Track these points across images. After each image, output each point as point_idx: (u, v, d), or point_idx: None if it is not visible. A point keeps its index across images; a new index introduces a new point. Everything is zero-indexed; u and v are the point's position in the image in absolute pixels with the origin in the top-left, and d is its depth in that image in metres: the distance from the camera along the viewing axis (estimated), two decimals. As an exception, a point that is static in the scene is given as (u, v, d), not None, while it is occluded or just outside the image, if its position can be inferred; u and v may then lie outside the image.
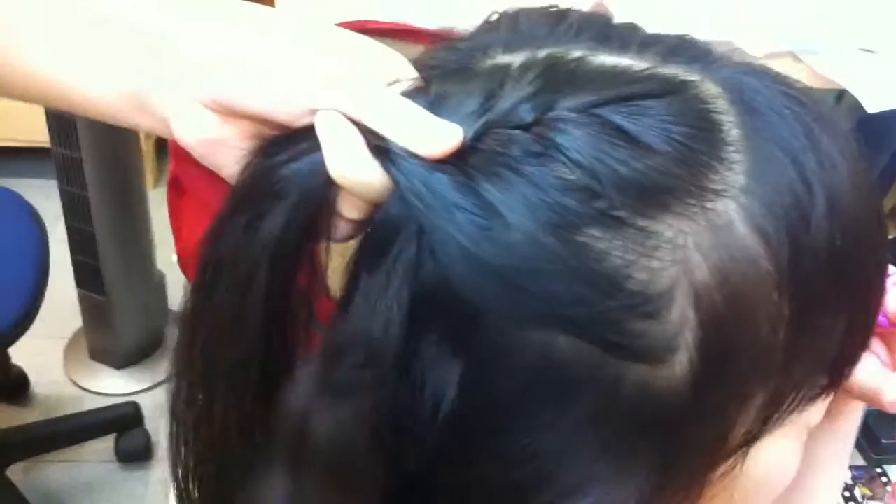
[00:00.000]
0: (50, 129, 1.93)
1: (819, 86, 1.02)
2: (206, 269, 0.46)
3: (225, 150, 0.47)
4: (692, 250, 0.40)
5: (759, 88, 0.44)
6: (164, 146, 2.73)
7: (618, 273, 0.39)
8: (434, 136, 0.41)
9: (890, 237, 1.43)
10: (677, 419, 0.42)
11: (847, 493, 1.59)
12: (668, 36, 0.47)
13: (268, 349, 0.46)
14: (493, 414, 0.42)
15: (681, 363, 0.40)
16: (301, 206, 0.43)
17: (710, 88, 0.43)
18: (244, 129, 0.46)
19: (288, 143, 0.44)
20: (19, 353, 2.01)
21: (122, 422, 2.12)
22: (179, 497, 0.52)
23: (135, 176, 2.10)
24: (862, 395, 0.60)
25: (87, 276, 2.12)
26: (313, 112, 0.43)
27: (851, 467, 1.64)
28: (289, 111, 0.44)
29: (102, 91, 0.49)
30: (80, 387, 2.27)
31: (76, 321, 2.32)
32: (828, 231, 0.42)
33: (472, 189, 0.41)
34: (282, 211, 0.43)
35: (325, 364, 0.44)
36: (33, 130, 2.44)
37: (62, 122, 1.91)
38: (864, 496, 1.61)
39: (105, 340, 2.25)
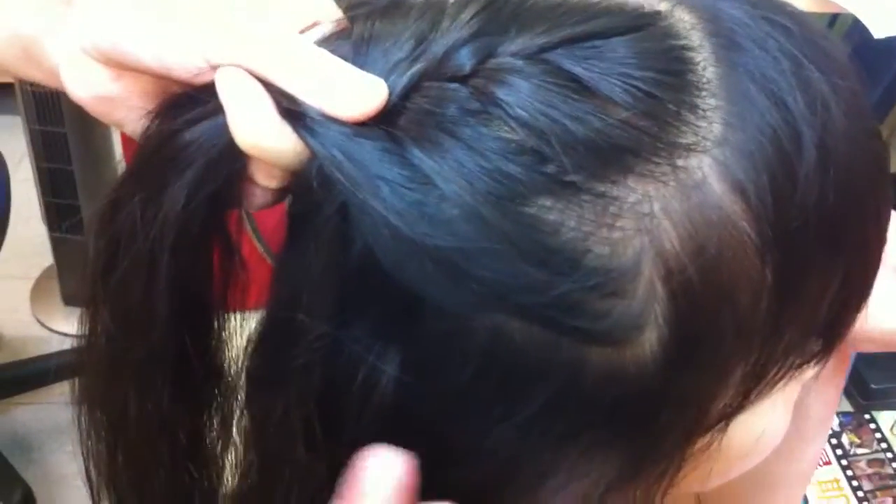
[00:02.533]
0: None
1: (818, 9, 0.98)
2: (104, 248, 0.40)
3: (122, 108, 0.41)
4: (660, 216, 0.35)
5: (740, 16, 0.38)
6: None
7: (574, 248, 0.34)
8: (353, 94, 0.35)
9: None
10: (647, 402, 0.37)
11: (834, 441, 1.57)
12: None
13: (179, 341, 0.41)
14: (440, 407, 0.38)
15: (650, 342, 0.36)
16: (206, 179, 0.37)
17: (683, 18, 0.38)
18: (141, 85, 0.41)
19: (189, 104, 0.38)
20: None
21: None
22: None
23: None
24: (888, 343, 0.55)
25: (62, 216, 2.06)
26: (213, 67, 0.37)
27: (839, 413, 1.62)
28: (184, 66, 0.38)
29: None
30: (47, 328, 2.23)
31: (43, 262, 2.28)
32: (818, 186, 0.37)
33: (400, 157, 0.35)
34: (184, 184, 0.37)
35: (252, 351, 0.41)
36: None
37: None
38: (851, 443, 1.58)
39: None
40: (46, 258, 2.26)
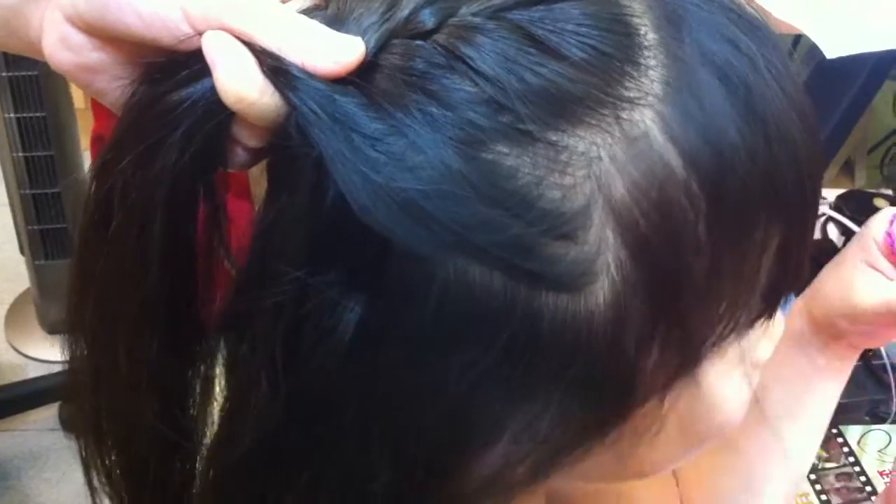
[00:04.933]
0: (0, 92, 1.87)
1: (775, 30, 0.99)
2: (95, 208, 0.43)
3: (104, 77, 0.43)
4: (607, 164, 0.37)
5: None
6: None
7: (528, 192, 0.37)
8: (332, 51, 0.38)
9: (844, 190, 1.40)
10: (600, 350, 0.39)
11: (803, 454, 1.58)
12: None
13: (171, 290, 0.43)
14: (402, 350, 0.39)
15: (603, 289, 0.38)
16: (194, 136, 0.40)
17: None
18: (123, 53, 0.42)
19: (175, 68, 0.40)
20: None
21: (65, 389, 2.06)
22: (88, 464, 0.49)
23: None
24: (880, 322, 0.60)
25: (49, 241, 2.06)
26: (198, 34, 0.39)
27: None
28: (171, 33, 0.40)
29: None
30: (22, 354, 2.22)
31: (16, 287, 2.28)
32: (752, 141, 0.39)
33: (373, 109, 0.38)
34: (175, 142, 0.39)
35: (229, 297, 0.43)
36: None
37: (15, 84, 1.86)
38: (820, 457, 1.59)
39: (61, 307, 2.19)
40: (19, 284, 2.25)
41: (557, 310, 0.38)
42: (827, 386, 0.82)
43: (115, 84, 0.43)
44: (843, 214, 1.45)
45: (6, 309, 2.31)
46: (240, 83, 0.38)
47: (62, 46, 0.43)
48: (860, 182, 2.72)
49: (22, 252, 2.10)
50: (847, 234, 1.41)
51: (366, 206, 0.37)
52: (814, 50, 0.98)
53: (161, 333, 0.44)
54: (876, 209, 1.47)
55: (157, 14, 0.40)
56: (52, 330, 2.23)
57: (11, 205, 2.03)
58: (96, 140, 1.12)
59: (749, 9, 0.42)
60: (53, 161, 1.95)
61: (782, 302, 0.46)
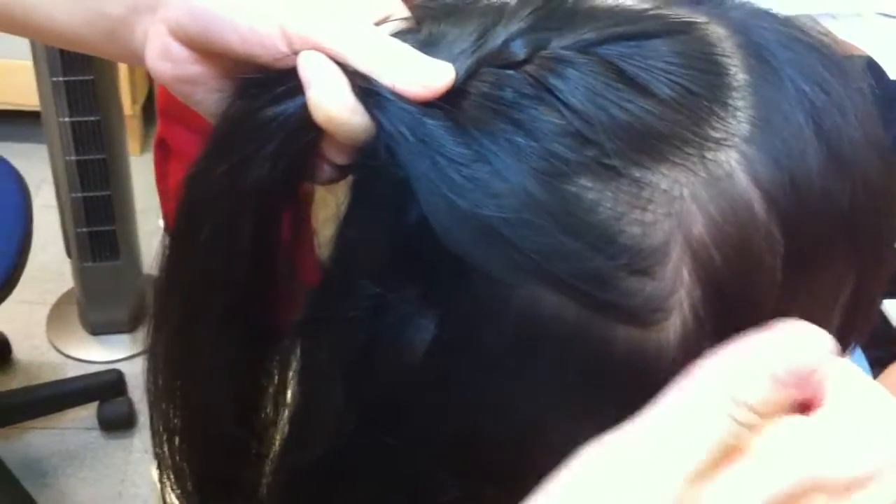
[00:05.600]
0: (56, 96, 1.89)
1: (841, 51, 0.99)
2: (187, 215, 0.45)
3: (203, 89, 0.45)
4: (689, 203, 0.37)
5: (769, 32, 0.41)
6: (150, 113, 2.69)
7: (609, 226, 0.37)
8: (422, 75, 0.39)
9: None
10: (663, 383, 0.39)
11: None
12: None
13: (256, 295, 0.45)
14: (473, 368, 0.40)
15: (674, 325, 0.38)
16: (285, 151, 0.41)
17: (717, 30, 0.41)
18: (222, 67, 0.44)
19: (270, 85, 0.42)
20: (1, 319, 1.99)
21: (104, 389, 2.09)
22: (160, 460, 0.50)
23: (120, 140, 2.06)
24: None
25: (96, 244, 2.08)
26: (295, 53, 0.41)
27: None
28: (268, 51, 0.42)
29: (70, 15, 0.48)
30: (62, 353, 2.24)
31: (58, 288, 2.30)
32: (836, 187, 0.40)
33: (460, 134, 0.38)
34: (267, 155, 0.41)
35: (308, 306, 0.44)
36: (16, 94, 2.43)
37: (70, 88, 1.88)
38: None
39: (112, 309, 2.21)
40: (62, 285, 2.28)
41: (629, 342, 0.38)
42: None
43: (211, 96, 0.45)
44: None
45: (49, 309, 2.33)
46: (331, 102, 0.40)
47: (164, 58, 0.45)
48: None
49: (69, 254, 2.12)
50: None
51: (448, 228, 0.38)
52: (864, 73, 0.98)
53: (242, 336, 0.46)
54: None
55: (256, 32, 0.42)
56: (94, 331, 2.25)
57: (60, 207, 2.05)
58: (159, 144, 1.14)
59: (834, 49, 0.43)
60: (105, 164, 1.97)
61: (849, 350, 0.46)
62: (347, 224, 0.43)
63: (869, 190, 0.41)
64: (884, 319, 1.28)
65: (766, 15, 0.43)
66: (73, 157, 1.96)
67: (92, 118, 1.91)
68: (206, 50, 0.44)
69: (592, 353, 0.38)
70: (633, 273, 0.37)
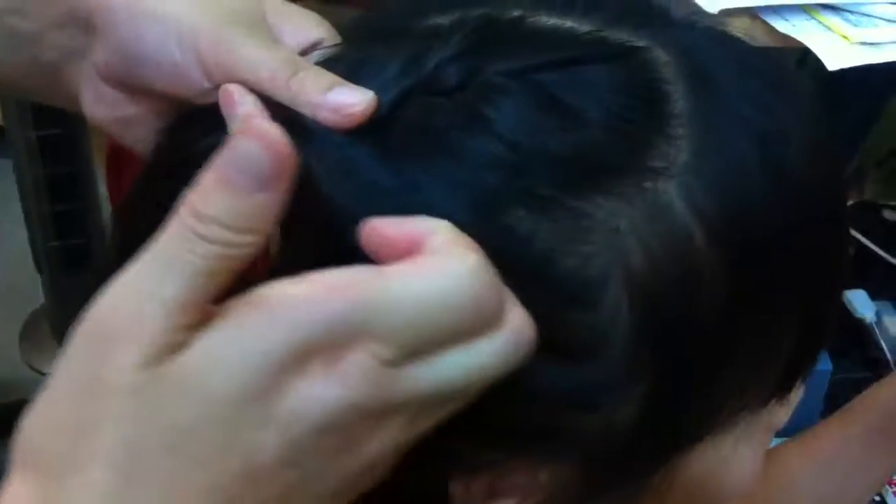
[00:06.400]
0: (20, 111, 1.87)
1: (779, 44, 1.01)
2: (117, 251, 0.43)
3: (141, 130, 0.45)
4: (627, 234, 0.37)
5: (714, 56, 0.40)
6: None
7: (544, 258, 0.36)
8: (343, 103, 0.38)
9: (850, 202, 1.40)
10: (605, 420, 0.38)
11: None
12: None
13: None
14: None
15: (614, 360, 0.37)
16: None
17: (659, 56, 0.40)
18: (156, 105, 0.44)
19: (195, 120, 0.42)
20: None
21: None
22: None
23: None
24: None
25: (68, 257, 2.05)
26: (216, 85, 0.41)
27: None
28: (190, 86, 0.41)
29: (5, 62, 0.48)
30: (36, 370, 2.21)
31: (29, 306, 2.27)
32: (779, 217, 0.39)
33: (388, 163, 0.37)
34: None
35: None
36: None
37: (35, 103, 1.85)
38: None
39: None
40: (33, 302, 2.24)
41: (568, 378, 0.37)
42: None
43: (149, 136, 0.45)
44: (853, 227, 1.44)
45: (20, 326, 2.30)
46: None
47: (98, 101, 0.45)
48: (869, 194, 2.72)
49: (39, 270, 2.10)
50: (857, 245, 1.41)
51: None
52: (823, 63, 1.00)
53: None
54: (885, 221, 1.47)
55: (176, 67, 0.41)
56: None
57: (29, 222, 2.04)
58: (111, 155, 1.14)
59: (782, 72, 0.42)
60: (74, 177, 1.96)
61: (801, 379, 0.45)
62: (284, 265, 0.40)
63: (818, 222, 0.40)
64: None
65: (713, 37, 0.42)
66: (43, 171, 1.93)
67: (57, 131, 1.90)
68: (135, 89, 0.44)
69: (524, 388, 0.37)
70: (570, 306, 0.37)
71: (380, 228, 0.35)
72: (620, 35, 0.41)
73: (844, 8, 1.08)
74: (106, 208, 2.11)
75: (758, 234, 0.38)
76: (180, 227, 0.32)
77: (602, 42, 0.40)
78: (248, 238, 0.33)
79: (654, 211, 0.37)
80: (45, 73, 0.48)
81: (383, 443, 0.34)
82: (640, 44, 0.40)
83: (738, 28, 1.03)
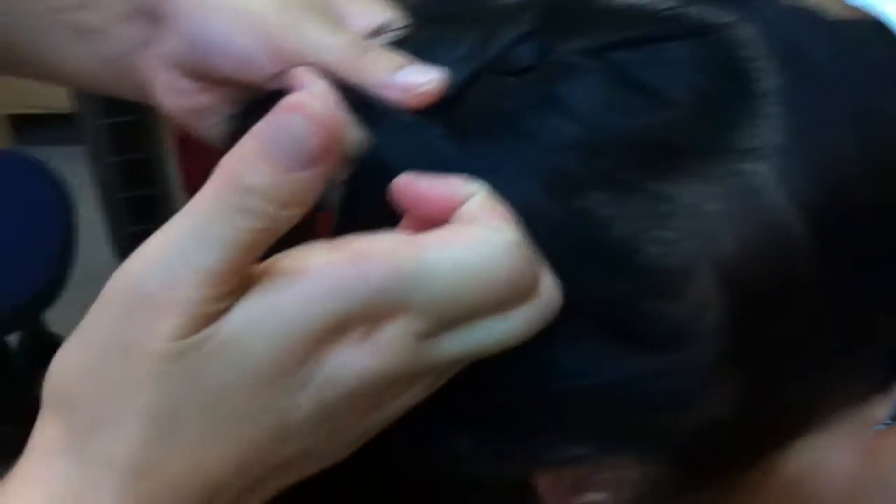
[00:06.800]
0: (91, 98, 1.89)
1: (852, 16, 0.97)
2: None
3: (210, 117, 0.45)
4: (715, 219, 0.34)
5: (803, 32, 0.38)
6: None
7: (625, 245, 0.34)
8: (412, 82, 0.37)
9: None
10: (694, 412, 0.36)
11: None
12: None
13: None
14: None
15: (702, 354, 0.35)
16: None
17: (747, 31, 0.37)
18: (230, 94, 0.44)
19: (266, 105, 0.40)
20: (56, 321, 2.01)
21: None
22: None
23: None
24: None
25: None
26: (285, 70, 0.40)
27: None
28: (260, 72, 0.41)
29: (78, 59, 0.49)
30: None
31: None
32: (883, 199, 0.36)
33: (461, 145, 0.36)
34: None
35: None
36: (50, 97, 2.44)
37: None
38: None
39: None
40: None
41: (653, 374, 0.35)
42: None
43: (221, 126, 0.44)
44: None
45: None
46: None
47: (169, 91, 0.45)
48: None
49: (117, 254, 2.13)
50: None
51: None
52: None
53: None
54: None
55: (245, 53, 0.41)
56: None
57: (105, 209, 2.07)
58: (182, 141, 1.14)
59: (877, 48, 0.39)
60: (148, 163, 1.98)
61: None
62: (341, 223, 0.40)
63: None
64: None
65: (803, 11, 0.39)
66: (117, 158, 1.96)
67: (129, 118, 1.92)
68: (206, 78, 0.43)
69: (613, 383, 0.36)
70: (653, 297, 0.35)
71: (415, 184, 0.35)
72: (702, 11, 0.39)
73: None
74: (178, 194, 2.14)
75: (856, 217, 0.36)
76: (219, 194, 0.32)
77: (682, 18, 0.38)
78: (290, 212, 0.33)
79: (745, 194, 0.35)
80: (114, 65, 0.48)
81: (408, 401, 0.35)
82: (724, 19, 0.38)
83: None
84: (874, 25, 0.40)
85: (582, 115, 0.36)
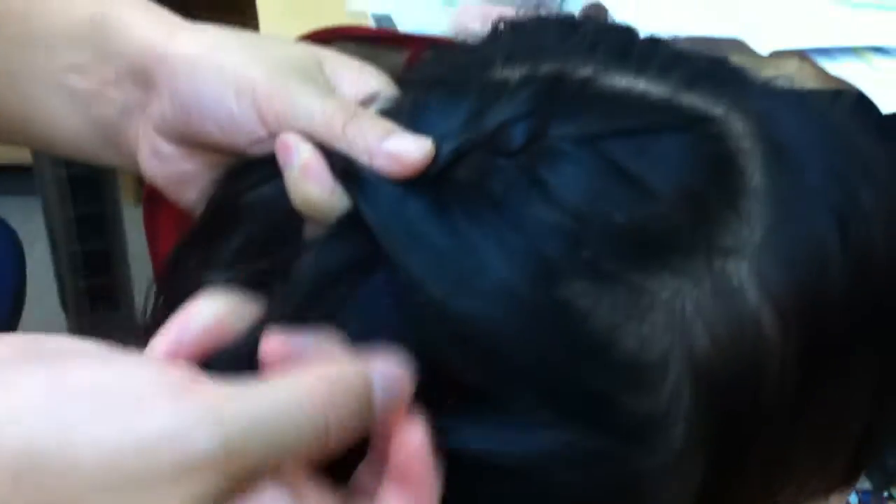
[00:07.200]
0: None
1: (830, 87, 1.00)
2: (161, 306, 0.42)
3: (191, 185, 0.45)
4: (692, 316, 0.34)
5: (795, 127, 0.38)
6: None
7: (602, 336, 0.34)
8: (399, 150, 0.36)
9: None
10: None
11: (854, 519, 1.54)
12: (697, 56, 0.41)
13: None
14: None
15: (670, 448, 0.35)
16: (267, 233, 0.39)
17: (736, 125, 0.38)
18: (210, 161, 0.44)
19: (250, 170, 0.40)
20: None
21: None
22: None
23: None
24: None
25: (94, 296, 2.06)
26: (272, 135, 0.40)
27: (858, 491, 1.60)
28: (247, 136, 0.41)
29: (67, 121, 0.49)
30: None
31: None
32: (858, 302, 0.37)
33: (444, 222, 0.35)
34: (247, 239, 0.39)
35: None
36: (7, 149, 2.44)
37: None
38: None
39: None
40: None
41: (621, 461, 0.35)
42: None
43: (200, 192, 0.43)
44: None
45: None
46: (308, 185, 0.37)
47: (154, 157, 0.45)
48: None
49: (64, 308, 2.11)
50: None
51: (421, 320, 0.35)
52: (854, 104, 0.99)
53: None
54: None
55: (233, 117, 0.41)
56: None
57: (56, 261, 2.05)
58: (148, 198, 1.13)
59: (857, 136, 0.40)
60: (102, 217, 1.98)
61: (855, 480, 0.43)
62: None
63: (893, 305, 0.38)
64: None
65: (794, 104, 0.40)
66: (72, 211, 1.95)
67: (87, 170, 1.91)
68: (191, 143, 0.43)
69: (576, 471, 0.35)
70: (626, 389, 0.34)
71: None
72: (695, 101, 0.39)
73: (894, 50, 1.07)
74: (133, 249, 2.13)
75: (833, 320, 0.36)
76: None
77: (675, 109, 0.38)
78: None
79: (722, 292, 0.35)
80: (105, 130, 0.48)
81: None
82: (716, 112, 0.39)
83: (788, 70, 1.03)
84: (858, 106, 0.41)
85: (567, 204, 0.35)
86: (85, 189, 1.93)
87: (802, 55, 1.01)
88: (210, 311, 0.35)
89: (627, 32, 0.43)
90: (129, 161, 0.47)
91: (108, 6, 0.47)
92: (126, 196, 2.38)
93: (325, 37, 1.09)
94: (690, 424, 0.35)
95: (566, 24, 0.44)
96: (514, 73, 0.40)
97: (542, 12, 0.46)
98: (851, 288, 0.37)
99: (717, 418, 0.35)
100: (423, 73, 0.44)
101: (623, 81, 0.39)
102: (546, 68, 0.40)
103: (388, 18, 1.26)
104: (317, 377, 0.32)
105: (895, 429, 0.42)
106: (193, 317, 0.35)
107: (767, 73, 0.43)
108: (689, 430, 0.35)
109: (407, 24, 1.24)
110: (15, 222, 1.84)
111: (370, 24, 1.25)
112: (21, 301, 1.70)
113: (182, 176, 0.45)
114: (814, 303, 0.36)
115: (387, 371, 0.33)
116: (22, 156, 2.04)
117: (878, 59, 1.04)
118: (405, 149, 0.37)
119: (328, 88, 0.42)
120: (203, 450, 0.28)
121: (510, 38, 0.44)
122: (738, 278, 0.35)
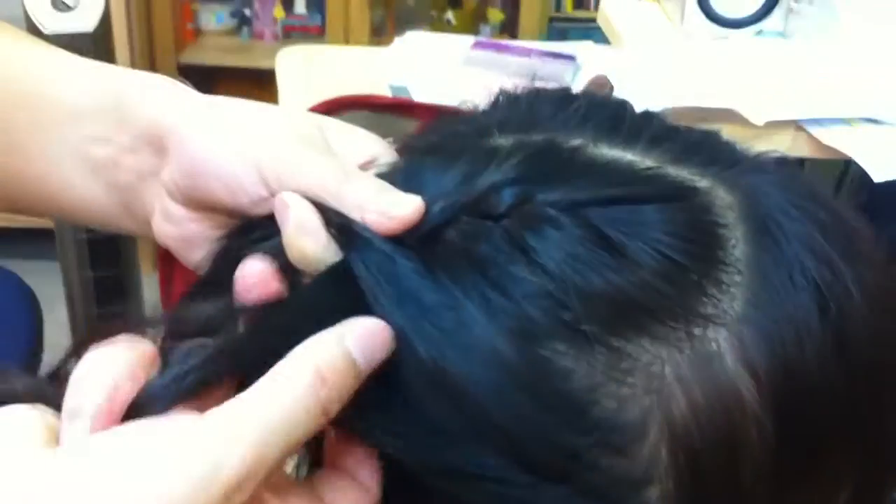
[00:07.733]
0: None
1: (823, 156, 1.02)
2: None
3: (199, 245, 0.46)
4: (671, 381, 0.36)
5: (779, 203, 0.39)
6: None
7: (581, 397, 0.35)
8: (389, 206, 0.39)
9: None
10: None
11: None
12: (687, 131, 0.43)
13: None
14: None
15: None
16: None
17: (721, 198, 0.39)
18: (215, 221, 0.46)
19: (251, 228, 0.43)
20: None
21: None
22: None
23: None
24: None
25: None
26: (273, 195, 0.42)
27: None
28: (250, 197, 0.43)
29: (86, 190, 0.50)
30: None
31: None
32: (835, 375, 0.37)
33: (431, 279, 0.37)
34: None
35: None
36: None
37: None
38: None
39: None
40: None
41: None
42: None
43: (207, 251, 0.45)
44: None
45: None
46: (304, 240, 0.40)
47: (165, 219, 0.47)
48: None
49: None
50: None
51: (416, 382, 0.36)
52: (866, 174, 1.00)
53: None
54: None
55: (236, 177, 0.43)
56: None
57: (73, 323, 2.06)
58: (164, 258, 1.15)
59: (847, 219, 0.40)
60: (119, 280, 1.99)
61: None
62: None
63: (874, 381, 0.39)
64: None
65: (781, 181, 0.41)
66: (90, 273, 1.96)
67: (106, 234, 1.93)
68: (199, 205, 0.46)
69: None
70: (604, 450, 0.35)
71: None
72: (682, 173, 0.40)
73: (885, 121, 1.08)
74: (149, 312, 2.12)
75: (809, 391, 0.37)
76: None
77: (660, 180, 0.40)
78: None
79: (701, 360, 0.36)
80: (122, 197, 0.49)
81: None
82: (702, 184, 0.40)
83: (783, 139, 1.05)
84: (835, 165, 0.42)
85: (550, 268, 0.36)
86: (104, 253, 1.95)
87: (797, 125, 1.03)
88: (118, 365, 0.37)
89: (621, 106, 0.45)
90: (145, 227, 0.49)
91: (128, 80, 0.50)
92: (144, 263, 2.40)
93: (341, 104, 1.12)
94: (667, 488, 0.36)
95: (561, 97, 0.45)
96: (506, 141, 0.42)
97: (539, 85, 0.48)
98: (830, 364, 0.37)
99: (694, 485, 0.36)
100: (422, 140, 0.46)
101: (611, 153, 0.41)
102: (537, 137, 0.42)
103: (404, 90, 1.29)
104: (309, 371, 0.35)
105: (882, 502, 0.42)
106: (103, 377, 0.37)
107: (762, 142, 0.44)
108: (664, 494, 0.36)
109: (422, 94, 1.26)
110: (35, 285, 1.87)
111: (388, 94, 1.28)
112: (38, 361, 1.71)
113: (191, 236, 0.47)
114: (792, 375, 0.36)
115: (365, 334, 0.36)
116: (43, 220, 2.04)
117: (869, 129, 1.06)
118: (396, 205, 0.39)
119: (328, 151, 0.44)
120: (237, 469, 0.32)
121: (507, 108, 0.46)
122: (717, 345, 0.36)
